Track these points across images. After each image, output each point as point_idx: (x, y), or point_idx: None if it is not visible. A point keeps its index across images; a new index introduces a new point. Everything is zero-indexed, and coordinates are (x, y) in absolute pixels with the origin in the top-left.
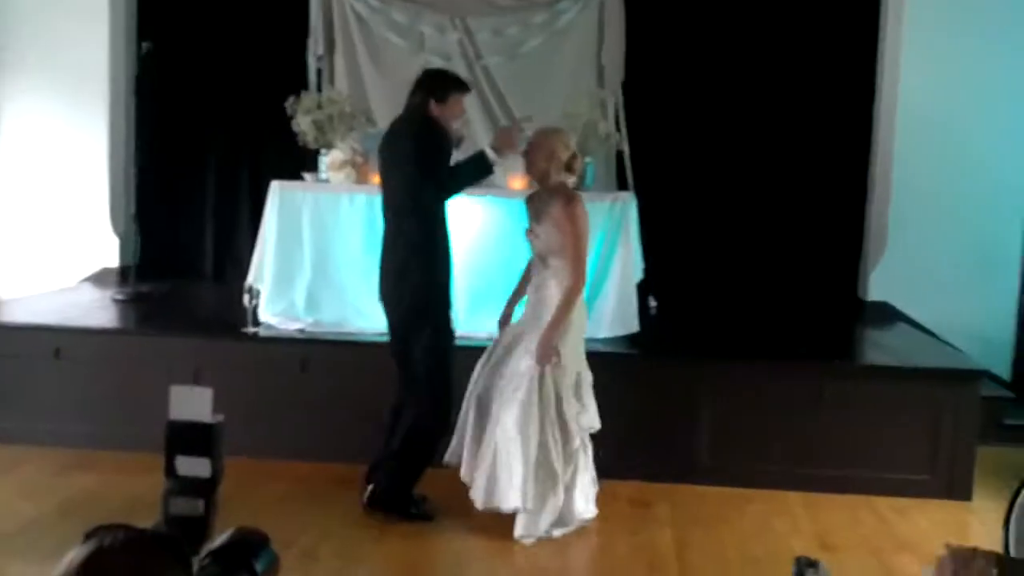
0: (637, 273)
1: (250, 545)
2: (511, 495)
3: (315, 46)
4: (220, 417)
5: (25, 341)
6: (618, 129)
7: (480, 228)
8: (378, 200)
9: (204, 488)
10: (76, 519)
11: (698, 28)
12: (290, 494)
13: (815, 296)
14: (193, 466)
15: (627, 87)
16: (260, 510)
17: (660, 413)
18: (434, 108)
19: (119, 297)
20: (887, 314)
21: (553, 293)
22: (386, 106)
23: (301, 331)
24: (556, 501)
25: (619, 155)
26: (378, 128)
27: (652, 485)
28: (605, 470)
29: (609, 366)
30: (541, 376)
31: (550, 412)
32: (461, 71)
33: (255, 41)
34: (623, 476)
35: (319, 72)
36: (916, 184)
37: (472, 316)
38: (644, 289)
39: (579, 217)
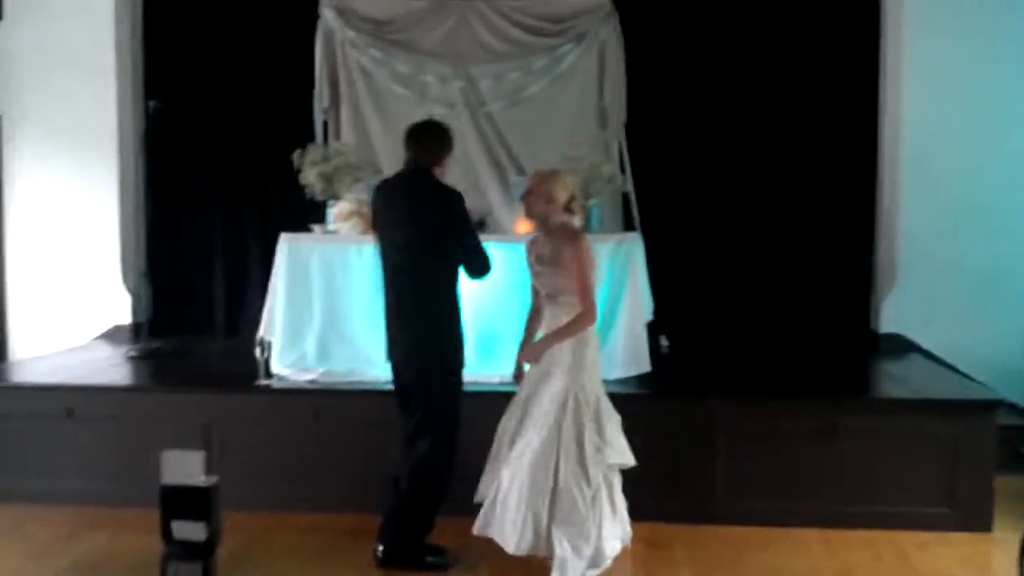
0: (647, 313)
1: None
2: (509, 536)
3: (320, 99)
4: (214, 479)
5: (38, 401)
6: (622, 170)
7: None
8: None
9: (201, 551)
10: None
11: (698, 65)
12: (303, 545)
13: (827, 330)
14: (189, 530)
15: (629, 128)
16: (273, 562)
17: (674, 453)
18: (438, 172)
19: (132, 354)
20: (900, 345)
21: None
22: (391, 156)
23: (313, 382)
24: (588, 548)
25: (624, 196)
26: (385, 176)
27: (668, 526)
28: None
29: (622, 407)
30: (560, 420)
31: (570, 460)
32: (464, 118)
33: (261, 96)
34: (639, 517)
35: (325, 124)
36: (924, 214)
37: (481, 361)
38: (655, 329)
39: (585, 251)
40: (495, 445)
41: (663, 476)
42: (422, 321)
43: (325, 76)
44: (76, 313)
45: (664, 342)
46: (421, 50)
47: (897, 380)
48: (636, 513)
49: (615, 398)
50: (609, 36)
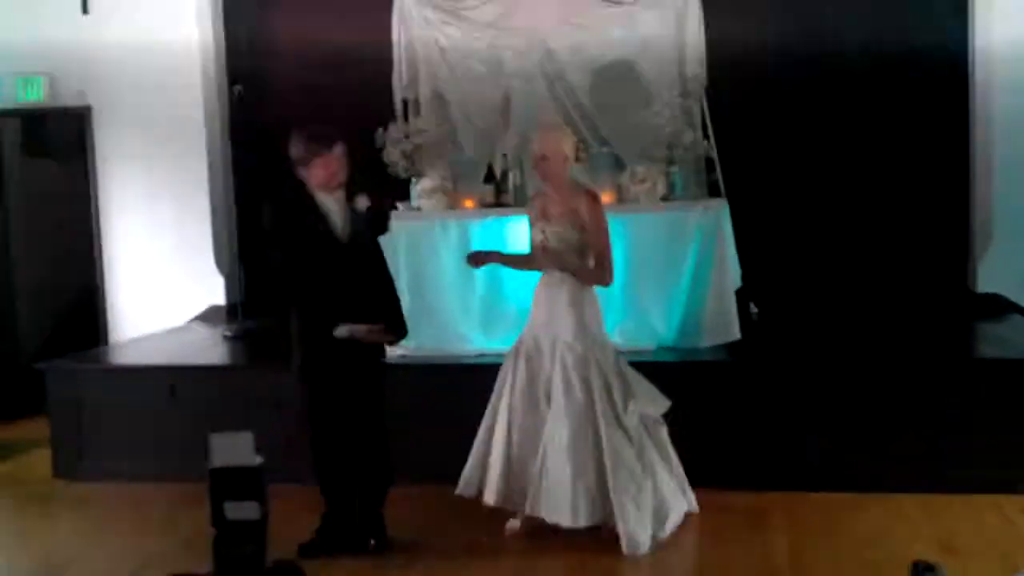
0: (735, 280)
1: None
2: (563, 511)
3: (400, 78)
4: (261, 459)
5: (141, 381)
6: (705, 136)
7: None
8: (472, 225)
9: (254, 530)
10: (199, 552)
11: (779, 27)
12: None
13: (923, 291)
14: (242, 510)
15: (711, 93)
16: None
17: (769, 420)
18: (302, 174)
19: (228, 334)
20: (999, 306)
21: (568, 295)
22: (472, 132)
23: (403, 357)
24: (650, 502)
25: (708, 162)
26: (465, 154)
27: (765, 494)
28: (716, 480)
29: (713, 375)
30: (589, 385)
31: (609, 423)
32: (542, 91)
33: (342, 76)
34: (735, 486)
35: (405, 103)
36: (1020, 171)
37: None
38: (744, 295)
39: (604, 214)
40: (501, 433)
41: (757, 444)
42: None
43: (403, 54)
44: (173, 296)
45: (754, 309)
46: (497, 25)
47: (996, 341)
48: (733, 481)
49: (705, 366)
50: (688, 1)
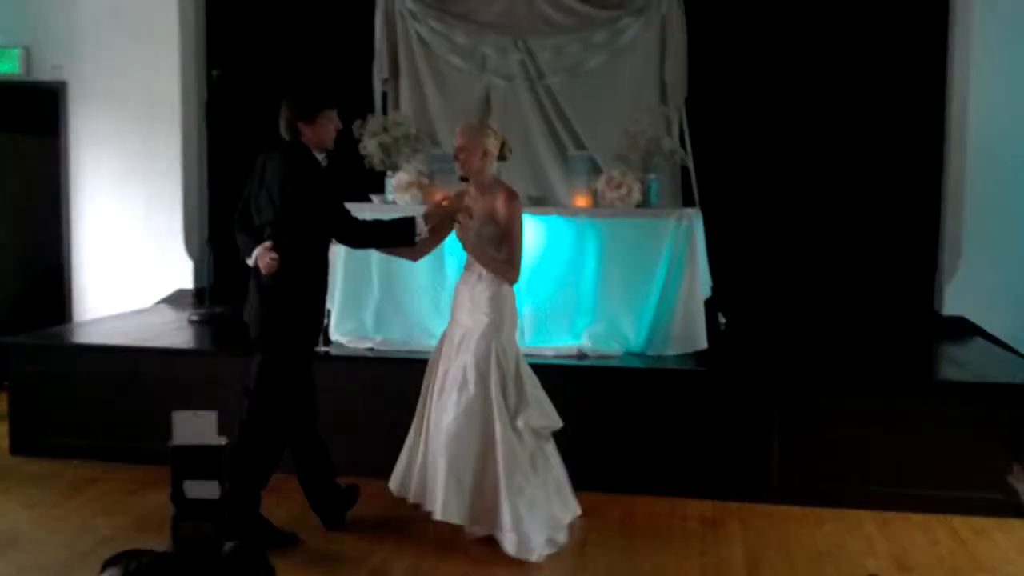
0: (705, 290)
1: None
2: (435, 502)
3: (380, 70)
4: (224, 439)
5: (105, 362)
6: (682, 145)
7: (543, 246)
8: None
9: (213, 510)
10: (152, 534)
11: (761, 41)
12: (361, 511)
13: (890, 310)
14: (202, 489)
15: (690, 102)
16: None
17: (730, 431)
18: (305, 130)
19: (194, 318)
20: (963, 328)
21: (487, 291)
22: (449, 127)
23: (371, 350)
24: (541, 509)
25: (684, 171)
26: (442, 150)
27: (723, 504)
28: (675, 489)
29: (678, 383)
30: (487, 383)
31: (504, 424)
32: (523, 91)
33: (321, 65)
34: (693, 495)
35: (384, 95)
36: (990, 194)
37: (538, 333)
38: (713, 306)
39: (519, 213)
40: (415, 425)
41: (718, 454)
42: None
43: (384, 47)
44: (140, 277)
45: (722, 319)
46: (480, 21)
47: (958, 363)
48: (691, 491)
49: (671, 375)
50: (671, 9)
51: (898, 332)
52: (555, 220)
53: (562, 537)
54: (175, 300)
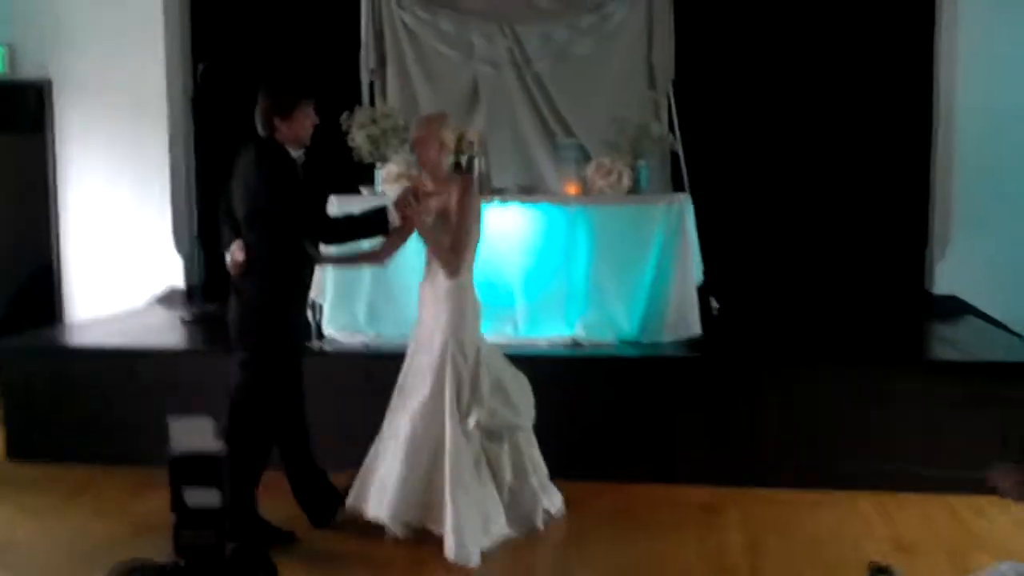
0: (697, 275)
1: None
2: (380, 508)
3: (367, 60)
4: (222, 445)
5: (99, 364)
6: (671, 130)
7: (534, 235)
8: None
9: (214, 517)
10: (149, 538)
11: (749, 23)
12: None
13: (881, 291)
14: (202, 496)
15: (678, 87)
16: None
17: (726, 416)
18: (280, 125)
19: (186, 317)
20: (955, 307)
21: (444, 287)
22: None
23: (364, 344)
24: (479, 513)
25: (673, 156)
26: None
27: (721, 489)
28: (672, 476)
29: (673, 370)
30: (441, 381)
31: (455, 422)
32: (510, 78)
33: (308, 56)
34: (691, 480)
35: (372, 86)
36: (979, 172)
37: (531, 324)
38: (705, 291)
39: (473, 208)
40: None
41: (715, 439)
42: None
43: (371, 37)
44: (131, 275)
45: (715, 304)
46: (466, 9)
47: (950, 343)
48: (689, 476)
49: (665, 361)
50: None
51: (890, 312)
52: (545, 208)
53: (495, 535)
54: (167, 299)
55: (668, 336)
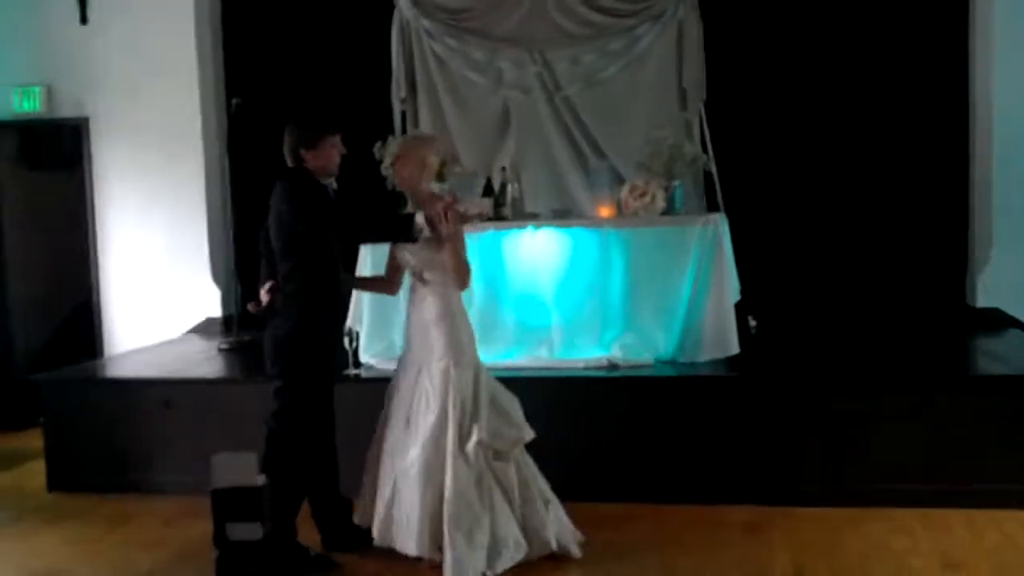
0: (734, 294)
1: None
2: (409, 541)
3: (398, 90)
4: (264, 479)
5: (137, 394)
6: (704, 150)
7: (568, 259)
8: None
9: (257, 551)
10: (191, 567)
11: (779, 40)
12: None
13: (922, 306)
14: (244, 531)
15: (710, 106)
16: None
17: (766, 435)
18: (308, 157)
19: (224, 347)
20: (998, 320)
21: (434, 311)
22: (470, 144)
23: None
24: (484, 537)
25: (707, 176)
26: (463, 168)
27: (763, 509)
28: (712, 496)
29: (711, 389)
30: (446, 407)
31: (455, 441)
32: (541, 103)
33: (339, 89)
34: (733, 501)
35: (403, 115)
36: (1018, 183)
37: (567, 346)
38: (742, 309)
39: (456, 222)
40: (375, 452)
41: (756, 459)
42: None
43: (402, 67)
44: (169, 308)
45: (752, 322)
46: (496, 36)
47: (994, 356)
48: (730, 497)
49: (704, 381)
50: (687, 14)
51: (932, 327)
52: (579, 232)
53: (505, 562)
54: (204, 329)
55: (706, 356)
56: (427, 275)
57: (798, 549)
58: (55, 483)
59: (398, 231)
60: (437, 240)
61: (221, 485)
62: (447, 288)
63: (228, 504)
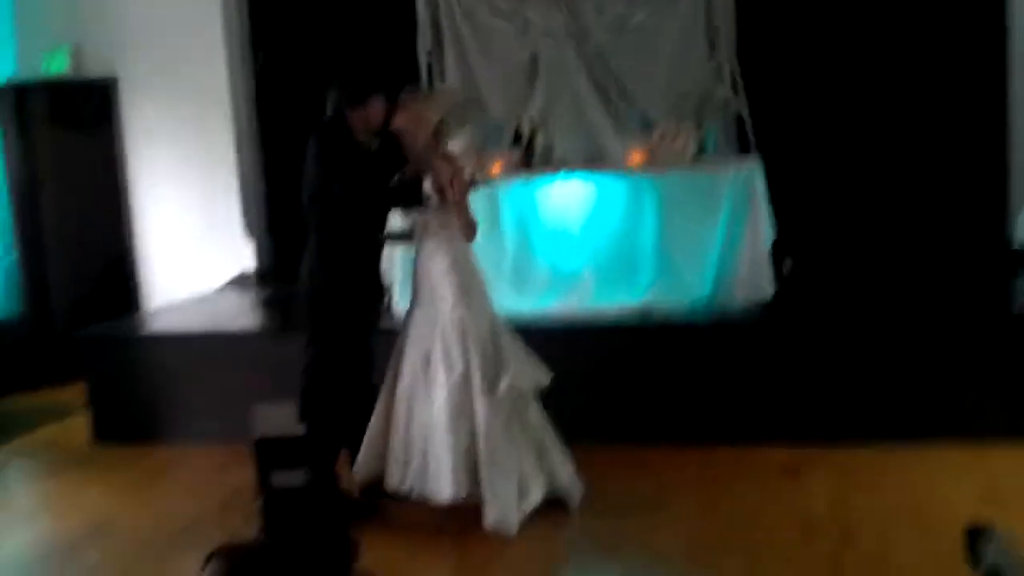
0: (769, 237)
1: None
2: (445, 487)
3: (424, 41)
4: (304, 428)
5: (175, 348)
6: (735, 93)
7: (600, 206)
8: (500, 190)
9: (300, 497)
10: (236, 514)
11: None
12: None
13: (960, 244)
14: (287, 478)
15: (740, 48)
16: None
17: (805, 375)
18: (351, 115)
19: (259, 300)
20: None
21: (444, 262)
22: (497, 94)
23: None
24: (514, 478)
25: (738, 119)
26: (492, 118)
27: (805, 449)
28: (753, 437)
29: (747, 332)
30: (465, 355)
31: (482, 386)
32: (569, 51)
33: (366, 41)
34: (774, 441)
35: (430, 67)
36: None
37: (601, 293)
38: (777, 251)
39: (458, 169)
40: (385, 406)
41: (796, 400)
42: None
43: (427, 18)
44: (203, 263)
45: (787, 264)
46: None
47: None
48: (771, 437)
49: (740, 325)
50: None
51: (971, 265)
52: (610, 178)
53: (532, 500)
54: (239, 283)
55: (740, 299)
56: (434, 232)
57: (837, 489)
58: (98, 436)
59: (407, 195)
60: (444, 203)
61: (263, 434)
62: (454, 240)
63: (271, 452)
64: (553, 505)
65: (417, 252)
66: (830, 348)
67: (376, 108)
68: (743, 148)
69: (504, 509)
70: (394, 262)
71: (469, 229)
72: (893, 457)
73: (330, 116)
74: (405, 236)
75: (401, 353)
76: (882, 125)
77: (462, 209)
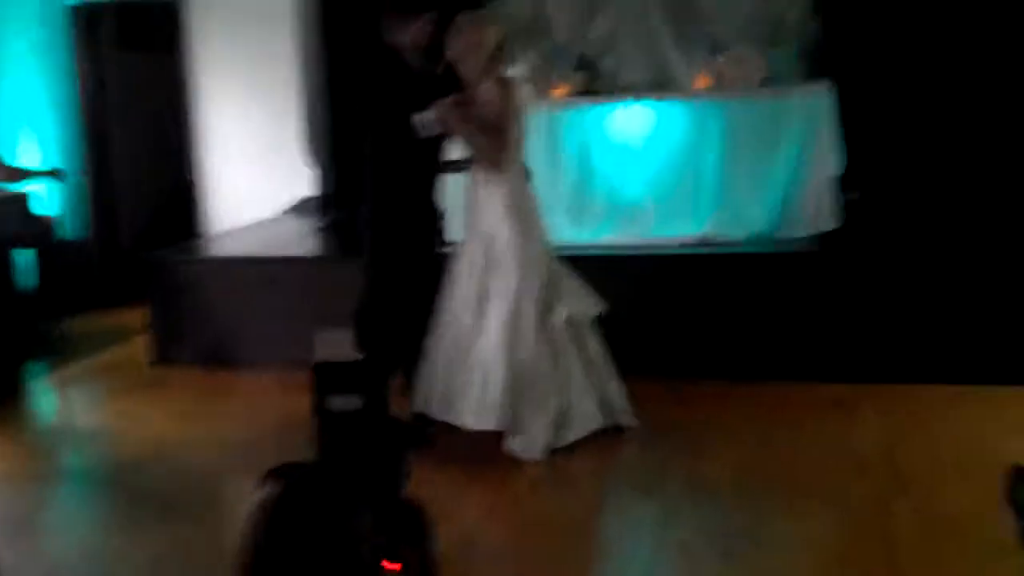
0: (836, 167)
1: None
2: (491, 416)
3: None
4: (361, 356)
5: (237, 272)
6: (811, 15)
7: (664, 133)
8: (562, 114)
9: (355, 421)
10: (293, 435)
11: None
12: None
13: None
14: (343, 402)
15: None
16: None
17: (862, 309)
18: (399, 34)
19: (321, 225)
20: None
21: (497, 195)
22: (564, 16)
23: None
24: (551, 411)
25: (812, 44)
26: (556, 41)
27: (856, 386)
28: (806, 373)
29: (804, 265)
30: (521, 290)
31: (533, 325)
32: None
33: None
34: (826, 378)
35: None
36: None
37: (661, 223)
38: (844, 182)
39: (513, 98)
40: (438, 335)
41: (850, 335)
42: None
43: None
44: (265, 188)
45: (853, 194)
46: None
47: None
48: (824, 374)
49: (801, 256)
50: None
51: None
52: (675, 105)
53: (576, 431)
54: (300, 208)
55: (803, 231)
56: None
57: (891, 426)
58: (160, 357)
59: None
60: (489, 121)
61: (321, 359)
62: (507, 172)
63: (328, 377)
64: (605, 434)
65: (473, 181)
66: (889, 285)
67: (423, 26)
68: (815, 74)
69: (531, 438)
70: (450, 190)
71: (490, 160)
72: (947, 396)
73: (387, 40)
74: (462, 164)
75: (455, 283)
76: (965, 58)
77: (474, 140)
